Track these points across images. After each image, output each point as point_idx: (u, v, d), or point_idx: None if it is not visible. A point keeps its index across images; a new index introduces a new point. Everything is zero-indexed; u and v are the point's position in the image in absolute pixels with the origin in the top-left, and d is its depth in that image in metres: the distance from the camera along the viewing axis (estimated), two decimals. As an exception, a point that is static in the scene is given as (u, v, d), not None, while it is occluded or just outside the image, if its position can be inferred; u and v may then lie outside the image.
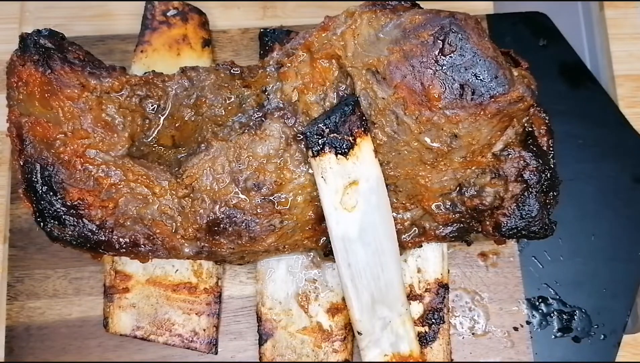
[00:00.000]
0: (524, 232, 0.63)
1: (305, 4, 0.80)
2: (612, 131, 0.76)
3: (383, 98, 0.60)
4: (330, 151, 0.59)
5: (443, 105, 0.58)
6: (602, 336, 0.71)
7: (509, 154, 0.62)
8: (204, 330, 0.67)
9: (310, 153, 0.59)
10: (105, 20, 0.78)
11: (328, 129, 0.58)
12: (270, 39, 0.73)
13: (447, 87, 0.58)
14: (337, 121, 0.58)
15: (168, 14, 0.74)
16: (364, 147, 0.60)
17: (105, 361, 0.68)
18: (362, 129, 0.59)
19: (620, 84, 0.79)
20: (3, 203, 0.71)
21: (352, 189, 0.60)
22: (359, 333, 0.61)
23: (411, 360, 0.62)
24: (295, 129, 0.61)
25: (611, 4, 0.81)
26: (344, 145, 0.59)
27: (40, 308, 0.69)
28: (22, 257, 0.70)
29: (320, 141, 0.58)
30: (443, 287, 0.68)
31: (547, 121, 0.65)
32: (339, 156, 0.59)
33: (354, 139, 0.59)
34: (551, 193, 0.63)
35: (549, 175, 0.62)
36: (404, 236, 0.64)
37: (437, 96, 0.58)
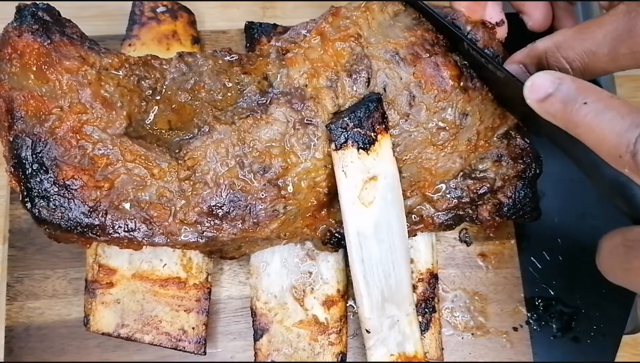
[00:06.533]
0: (520, 213, 0.66)
1: (305, 4, 0.80)
2: (611, 131, 0.76)
3: (401, 78, 0.62)
4: (352, 146, 0.59)
5: (459, 85, 0.62)
6: (602, 336, 0.71)
7: (509, 139, 0.65)
8: (193, 328, 0.65)
9: (333, 146, 0.59)
10: (105, 21, 0.78)
11: (352, 124, 0.59)
12: (257, 31, 0.74)
13: (462, 69, 0.62)
14: (361, 116, 0.59)
15: (157, 10, 0.74)
16: (384, 144, 0.61)
17: (105, 361, 0.68)
18: (384, 126, 0.60)
19: (620, 84, 0.79)
20: (3, 203, 0.71)
21: (370, 184, 0.60)
22: (367, 331, 0.61)
23: (415, 361, 0.62)
24: (302, 113, 0.61)
25: (611, 4, 0.80)
26: (366, 140, 0.60)
27: (39, 308, 0.69)
28: (22, 257, 0.70)
29: (344, 134, 0.59)
30: (434, 277, 0.69)
31: None
32: (360, 150, 0.59)
33: (376, 136, 0.60)
34: (539, 178, 0.67)
35: (541, 159, 0.66)
36: None
37: (454, 76, 0.62)
